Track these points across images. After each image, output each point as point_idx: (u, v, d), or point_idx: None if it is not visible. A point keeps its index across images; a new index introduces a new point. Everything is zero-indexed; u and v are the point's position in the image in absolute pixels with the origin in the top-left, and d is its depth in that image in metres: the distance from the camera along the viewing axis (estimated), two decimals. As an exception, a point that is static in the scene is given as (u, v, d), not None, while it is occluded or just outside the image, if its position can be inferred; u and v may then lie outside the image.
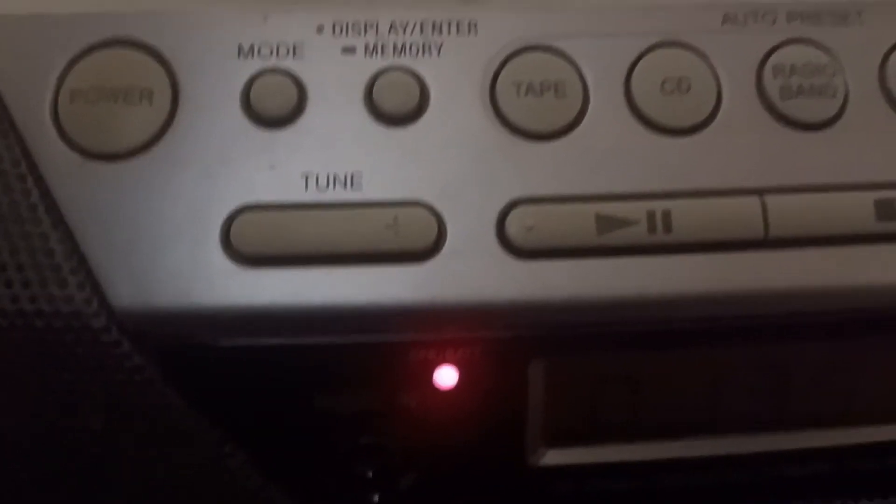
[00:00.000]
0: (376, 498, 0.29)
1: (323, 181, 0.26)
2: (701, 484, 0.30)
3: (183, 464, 0.28)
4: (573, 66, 0.27)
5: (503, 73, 0.27)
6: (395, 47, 0.27)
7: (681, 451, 0.29)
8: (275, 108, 0.26)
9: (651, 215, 0.26)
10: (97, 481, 0.28)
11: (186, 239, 0.25)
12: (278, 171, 0.26)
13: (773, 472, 0.30)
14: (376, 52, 0.27)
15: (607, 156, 0.26)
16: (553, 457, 0.29)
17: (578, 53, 0.27)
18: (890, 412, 0.30)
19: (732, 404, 0.29)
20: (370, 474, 0.29)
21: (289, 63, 0.26)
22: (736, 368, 0.29)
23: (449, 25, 0.27)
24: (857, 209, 0.26)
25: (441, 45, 0.27)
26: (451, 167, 0.26)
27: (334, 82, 0.26)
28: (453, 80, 0.27)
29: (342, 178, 0.26)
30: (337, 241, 0.25)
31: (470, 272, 0.25)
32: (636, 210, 0.26)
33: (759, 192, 0.26)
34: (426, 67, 0.27)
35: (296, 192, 0.25)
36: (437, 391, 0.27)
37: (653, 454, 0.29)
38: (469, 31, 0.27)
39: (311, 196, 0.25)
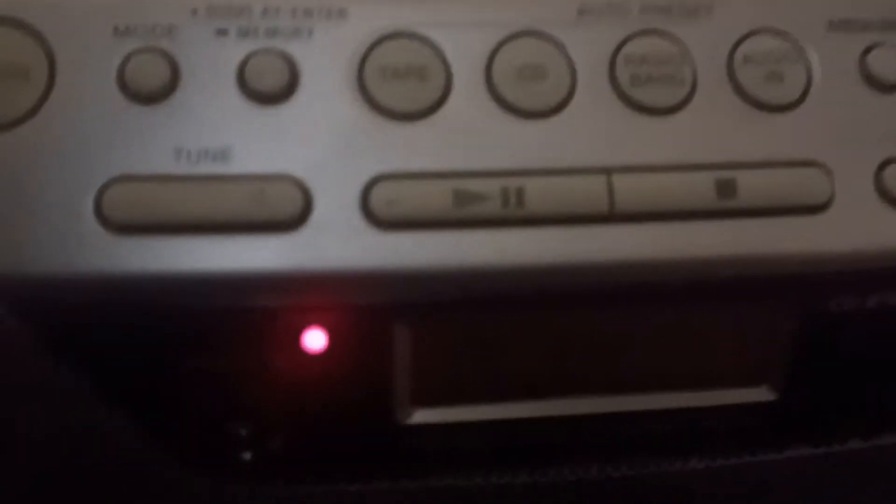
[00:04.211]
0: (250, 456, 0.31)
1: (193, 155, 0.27)
2: (556, 441, 0.32)
3: (64, 430, 0.29)
4: (437, 52, 0.29)
5: (370, 56, 0.28)
6: (267, 30, 0.28)
7: (537, 410, 0.31)
8: (148, 85, 0.27)
9: (505, 191, 0.28)
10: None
11: (61, 208, 0.26)
12: (150, 144, 0.27)
13: (625, 431, 0.32)
14: (248, 35, 0.28)
15: (466, 136, 0.28)
16: (420, 416, 0.31)
17: (442, 40, 0.29)
18: (726, 376, 0.32)
19: (583, 366, 0.31)
20: (244, 434, 0.30)
21: (163, 43, 0.28)
22: (586, 334, 0.31)
23: (319, 12, 0.29)
24: (699, 188, 0.28)
25: (312, 30, 0.28)
26: (319, 144, 0.28)
27: (207, 62, 0.28)
28: (323, 62, 0.28)
29: (212, 153, 0.27)
30: (205, 211, 0.26)
31: (334, 242, 0.27)
32: (491, 186, 0.28)
33: (607, 171, 0.28)
34: (297, 50, 0.28)
35: (167, 165, 0.27)
36: (306, 355, 0.29)
37: (511, 413, 0.31)
38: (339, 16, 0.29)
39: (182, 169, 0.27)
